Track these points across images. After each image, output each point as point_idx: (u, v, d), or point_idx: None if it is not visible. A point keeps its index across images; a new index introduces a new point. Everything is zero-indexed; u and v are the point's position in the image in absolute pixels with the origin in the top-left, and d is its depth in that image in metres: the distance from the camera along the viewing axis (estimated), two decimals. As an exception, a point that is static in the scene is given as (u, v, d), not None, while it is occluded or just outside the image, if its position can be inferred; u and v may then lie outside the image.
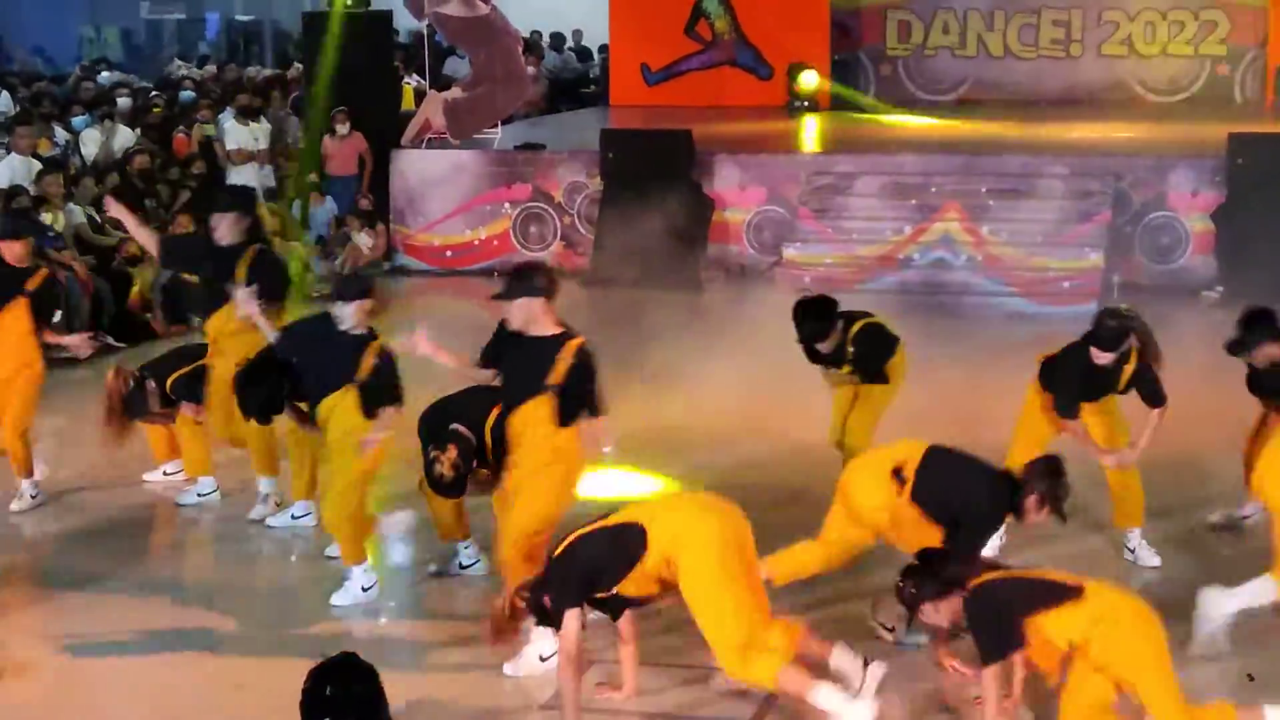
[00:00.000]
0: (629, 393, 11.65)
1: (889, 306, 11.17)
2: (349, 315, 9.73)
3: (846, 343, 10.72)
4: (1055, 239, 18.62)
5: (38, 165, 18.57)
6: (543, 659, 8.58)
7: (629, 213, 19.32)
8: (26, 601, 10.01)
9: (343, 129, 20.87)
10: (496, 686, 8.56)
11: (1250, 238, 17.84)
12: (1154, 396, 9.98)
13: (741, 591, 7.86)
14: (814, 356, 10.88)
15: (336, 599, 9.66)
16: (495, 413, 9.41)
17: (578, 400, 9.00)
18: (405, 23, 26.82)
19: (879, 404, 10.85)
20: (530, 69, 26.06)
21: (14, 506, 11.37)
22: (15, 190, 17.46)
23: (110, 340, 16.18)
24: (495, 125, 21.91)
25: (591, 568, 7.93)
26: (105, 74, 28.93)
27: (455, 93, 21.96)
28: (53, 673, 8.99)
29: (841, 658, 8.13)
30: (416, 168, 20.92)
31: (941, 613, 7.75)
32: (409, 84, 25.98)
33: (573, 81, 31.13)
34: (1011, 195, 19.23)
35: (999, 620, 7.56)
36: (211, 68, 30.79)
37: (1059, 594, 7.51)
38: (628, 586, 7.95)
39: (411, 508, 10.22)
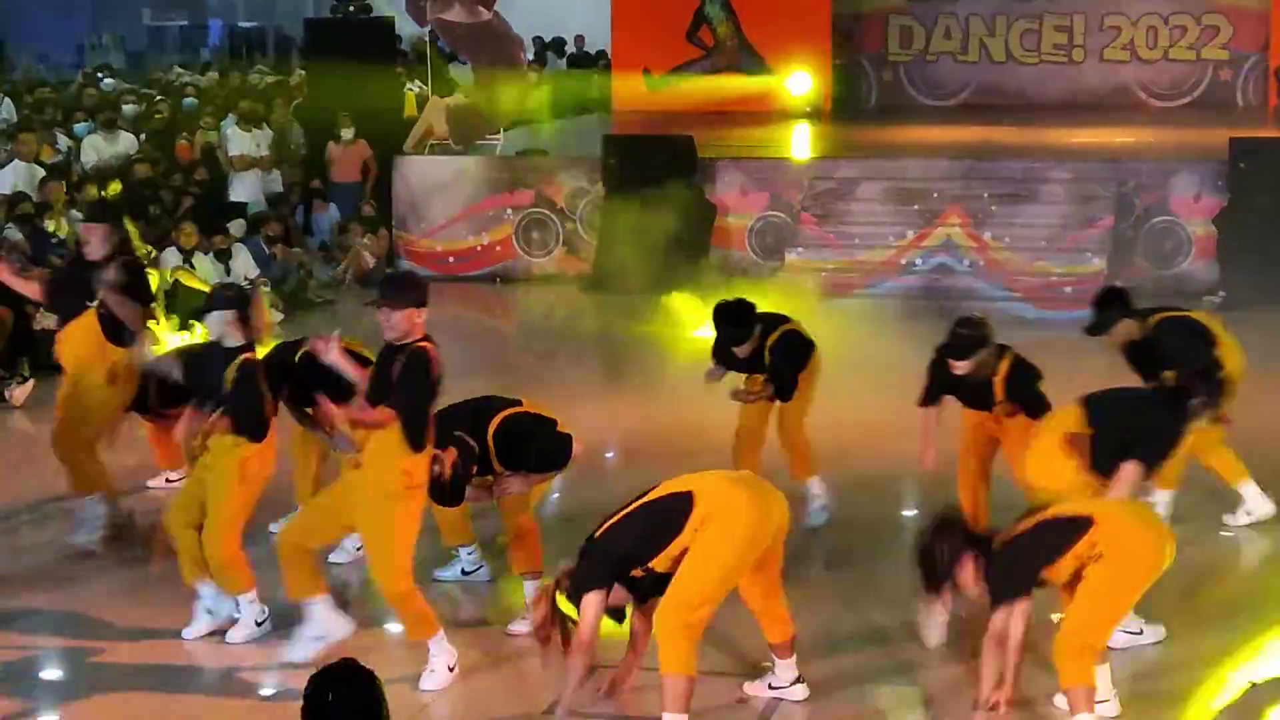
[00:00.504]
0: (628, 397, 11.64)
1: (890, 311, 11.15)
2: (217, 327, 9.24)
3: (765, 349, 10.69)
4: (1058, 244, 18.64)
5: (41, 172, 18.61)
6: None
7: (631, 218, 19.35)
8: (29, 610, 9.99)
9: (347, 135, 20.88)
10: (498, 692, 8.56)
11: (1252, 242, 17.86)
12: (1032, 406, 9.78)
13: (730, 582, 7.91)
14: (729, 361, 10.86)
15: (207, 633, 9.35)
16: (499, 419, 9.38)
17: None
18: (408, 29, 26.89)
19: (803, 406, 10.91)
20: (532, 75, 26.12)
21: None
22: (18, 197, 17.48)
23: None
24: (498, 131, 21.93)
25: (632, 544, 7.88)
26: (108, 81, 28.96)
27: (457, 99, 22.00)
28: (60, 682, 9.00)
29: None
30: (419, 174, 20.94)
31: (969, 572, 7.79)
32: (411, 90, 26.01)
33: (574, 87, 31.11)
34: (1014, 200, 19.25)
35: (1023, 570, 7.76)
36: (214, 74, 30.81)
37: (1075, 530, 7.74)
38: (663, 561, 7.87)
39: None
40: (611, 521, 8.05)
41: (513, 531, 9.65)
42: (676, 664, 7.76)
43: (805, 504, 10.89)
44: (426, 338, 8.43)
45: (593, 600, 7.82)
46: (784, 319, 10.93)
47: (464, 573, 10.25)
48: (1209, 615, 9.39)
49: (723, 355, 10.88)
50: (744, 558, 7.85)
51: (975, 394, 9.92)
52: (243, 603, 9.24)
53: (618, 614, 8.05)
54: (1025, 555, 7.78)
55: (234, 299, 9.35)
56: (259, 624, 9.25)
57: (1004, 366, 9.83)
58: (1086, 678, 7.68)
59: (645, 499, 8.06)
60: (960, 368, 9.74)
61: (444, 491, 9.14)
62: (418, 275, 8.93)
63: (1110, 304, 10.59)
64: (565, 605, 7.92)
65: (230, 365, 9.07)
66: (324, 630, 8.79)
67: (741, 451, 10.83)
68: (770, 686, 8.38)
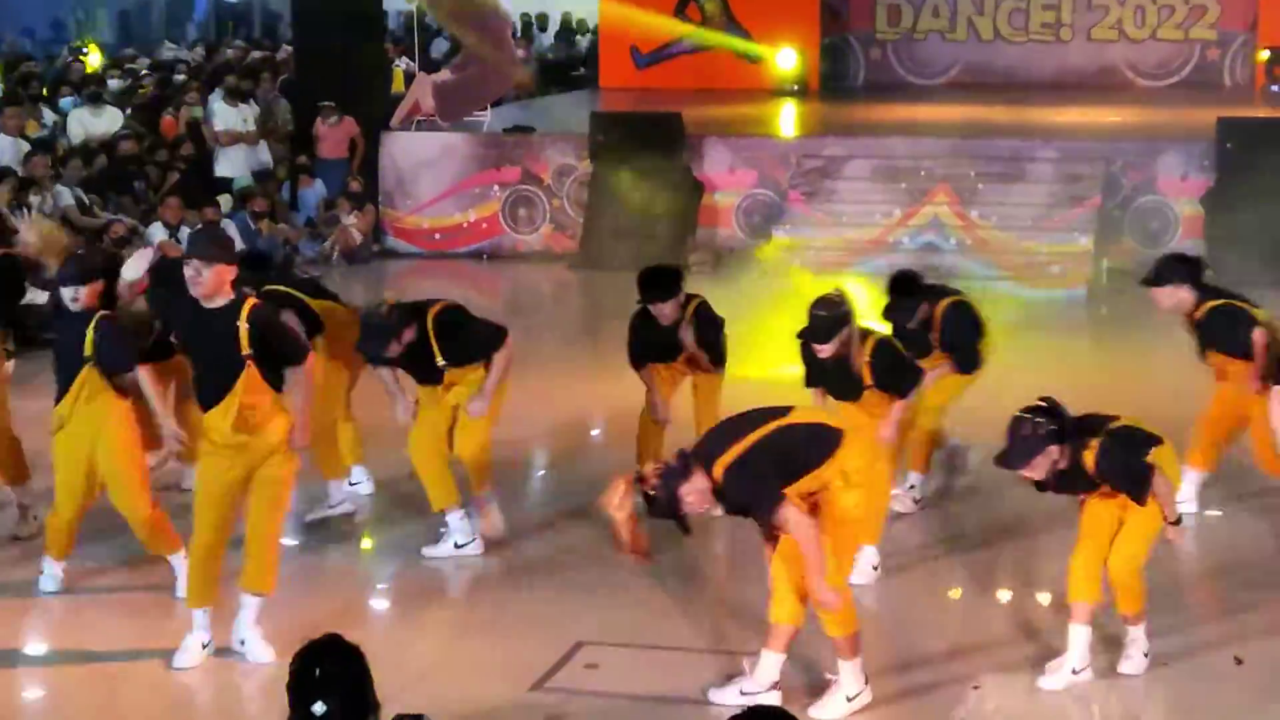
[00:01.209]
0: (615, 375, 11.63)
1: (878, 290, 11.13)
2: (75, 298, 9.35)
3: (685, 319, 10.54)
4: (1045, 223, 18.63)
5: (26, 146, 18.55)
6: (849, 699, 7.97)
7: (618, 196, 19.33)
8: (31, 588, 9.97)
9: (332, 120, 20.80)
10: (489, 668, 8.56)
11: (1239, 222, 17.85)
12: (899, 386, 9.52)
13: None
14: (650, 339, 10.65)
15: None
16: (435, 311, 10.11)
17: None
18: (394, 4, 26.82)
19: (717, 390, 10.73)
20: (520, 52, 26.06)
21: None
22: (3, 171, 17.42)
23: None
24: (485, 108, 21.89)
25: (790, 458, 7.69)
26: (94, 55, 28.86)
27: (445, 75, 21.95)
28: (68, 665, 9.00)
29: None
30: (406, 150, 20.89)
31: (1058, 458, 7.87)
32: (399, 67, 25.94)
33: (562, 64, 31.10)
34: (1001, 179, 19.25)
35: (1138, 459, 7.98)
36: (201, 49, 30.71)
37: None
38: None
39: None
40: (762, 434, 7.73)
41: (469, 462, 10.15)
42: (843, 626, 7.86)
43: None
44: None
45: (791, 514, 7.56)
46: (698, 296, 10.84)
47: (457, 546, 10.20)
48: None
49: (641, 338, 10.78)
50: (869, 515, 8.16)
51: (843, 379, 9.46)
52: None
53: (686, 526, 7.82)
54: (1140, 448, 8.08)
55: (90, 272, 9.43)
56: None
57: (869, 348, 9.39)
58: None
59: (790, 420, 7.83)
60: (824, 351, 9.28)
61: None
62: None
63: (906, 287, 10.57)
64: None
65: (86, 326, 9.20)
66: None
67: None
68: (741, 692, 8.06)
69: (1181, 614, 9.04)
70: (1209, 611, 9.29)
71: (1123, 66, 26.22)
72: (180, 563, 9.25)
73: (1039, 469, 7.95)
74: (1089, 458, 7.92)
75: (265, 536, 8.58)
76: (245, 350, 8.31)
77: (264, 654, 8.57)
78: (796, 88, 25.51)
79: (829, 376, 9.50)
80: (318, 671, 4.58)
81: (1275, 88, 24.30)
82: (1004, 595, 9.51)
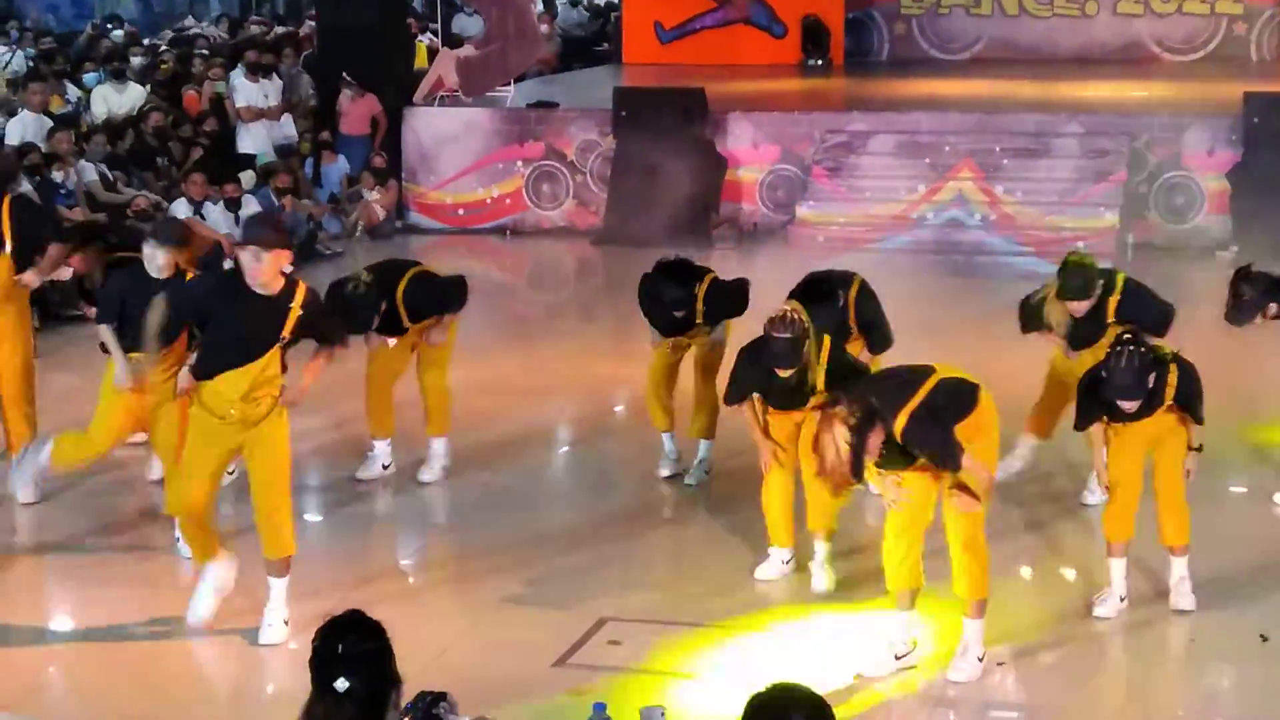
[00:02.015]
0: (638, 352, 11.61)
1: (902, 266, 11.13)
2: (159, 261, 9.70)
3: (699, 300, 10.62)
4: (1070, 198, 18.56)
5: (49, 122, 18.57)
6: (979, 660, 8.17)
7: (642, 171, 19.28)
8: (36, 567, 9.99)
9: (352, 92, 20.79)
10: (512, 644, 8.55)
11: (1265, 197, 17.75)
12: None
13: None
14: (669, 322, 10.75)
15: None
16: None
17: None
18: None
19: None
20: (543, 27, 26.02)
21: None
22: (27, 147, 17.44)
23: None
24: (508, 83, 21.86)
25: (949, 409, 7.92)
26: (118, 31, 28.87)
27: (468, 50, 21.91)
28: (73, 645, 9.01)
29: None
30: (429, 126, 20.87)
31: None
32: (423, 41, 25.91)
33: (586, 39, 31.05)
34: (1026, 154, 19.17)
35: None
36: (223, 25, 30.70)
37: None
38: None
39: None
40: (925, 389, 7.88)
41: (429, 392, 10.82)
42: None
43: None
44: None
45: (967, 459, 7.80)
46: (707, 270, 10.95)
47: (384, 468, 10.90)
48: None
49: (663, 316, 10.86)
50: None
51: (794, 392, 9.23)
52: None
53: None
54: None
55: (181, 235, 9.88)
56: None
57: (824, 358, 9.19)
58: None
59: (944, 374, 8.04)
60: (787, 373, 9.09)
61: None
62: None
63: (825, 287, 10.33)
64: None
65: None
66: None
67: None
68: (895, 656, 8.24)
69: (1211, 592, 9.02)
70: (1237, 589, 9.25)
71: (1148, 41, 26.10)
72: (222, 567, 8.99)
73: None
74: None
75: (275, 499, 8.54)
76: (287, 335, 8.34)
77: (275, 636, 8.58)
78: (820, 62, 25.43)
79: (775, 390, 9.26)
80: (340, 648, 4.56)
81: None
82: (1026, 572, 9.50)
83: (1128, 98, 21.39)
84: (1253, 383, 12.29)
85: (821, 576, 9.11)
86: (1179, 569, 8.80)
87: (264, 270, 8.21)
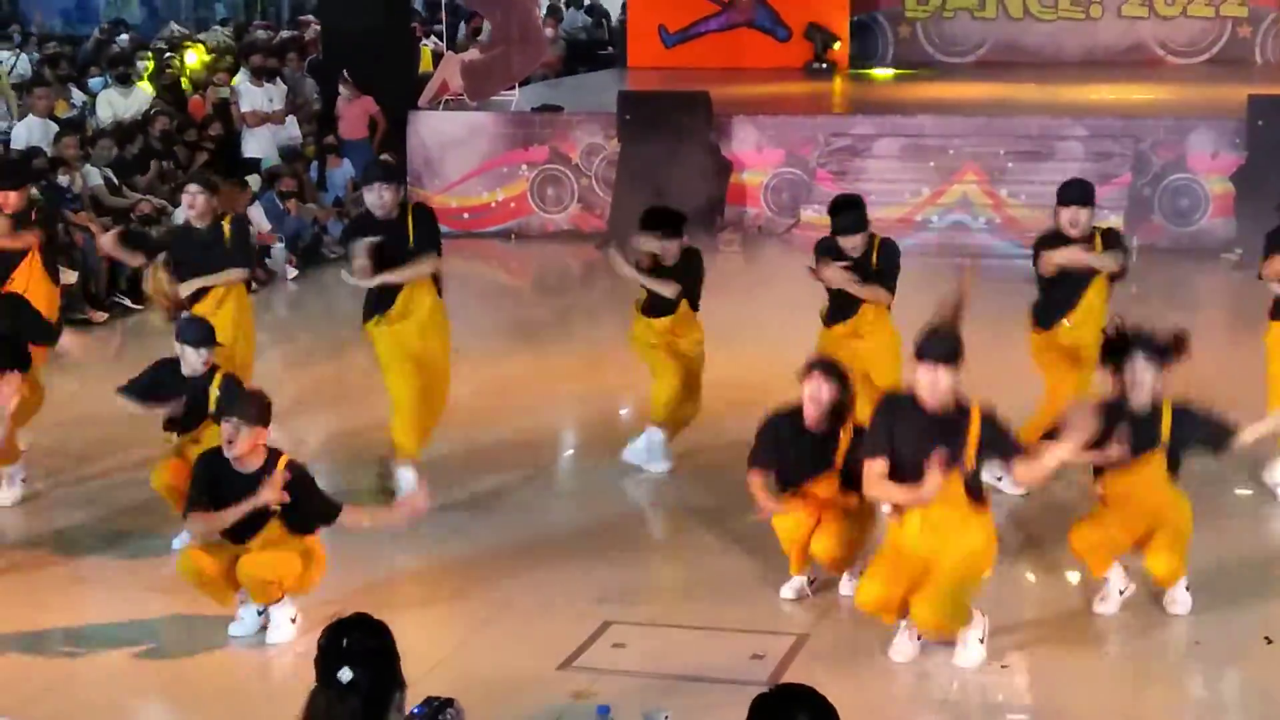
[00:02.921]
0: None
1: (906, 269, 11.10)
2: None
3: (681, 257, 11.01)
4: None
5: (55, 127, 18.58)
6: (981, 641, 8.31)
7: (646, 175, 19.28)
8: (41, 566, 9.99)
9: (347, 92, 20.83)
10: (517, 647, 8.56)
11: (1270, 199, 17.70)
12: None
13: None
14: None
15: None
16: None
17: None
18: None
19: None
20: (548, 30, 26.02)
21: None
22: (33, 152, 17.46)
23: (128, 302, 16.17)
24: (512, 87, 21.86)
25: None
26: (122, 36, 28.90)
27: (472, 54, 21.93)
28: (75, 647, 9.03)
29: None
30: (433, 130, 20.88)
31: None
32: (427, 45, 25.92)
33: (590, 43, 31.06)
34: (1031, 157, 19.17)
35: None
36: (229, 30, 30.73)
37: None
38: None
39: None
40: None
41: None
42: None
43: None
44: None
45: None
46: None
47: None
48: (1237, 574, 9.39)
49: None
50: None
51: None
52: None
53: None
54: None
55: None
56: None
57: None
58: None
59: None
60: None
61: None
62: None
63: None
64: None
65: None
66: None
67: None
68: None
69: (1215, 595, 9.02)
70: (1242, 592, 9.25)
71: (1153, 44, 26.08)
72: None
73: None
74: None
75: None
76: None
77: (282, 635, 8.67)
78: (825, 66, 25.45)
79: (794, 460, 8.96)
80: (345, 642, 4.59)
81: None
82: (1030, 575, 9.50)
83: (1132, 101, 21.38)
84: (1258, 385, 12.25)
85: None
86: (1167, 592, 8.86)
87: (241, 444, 8.38)
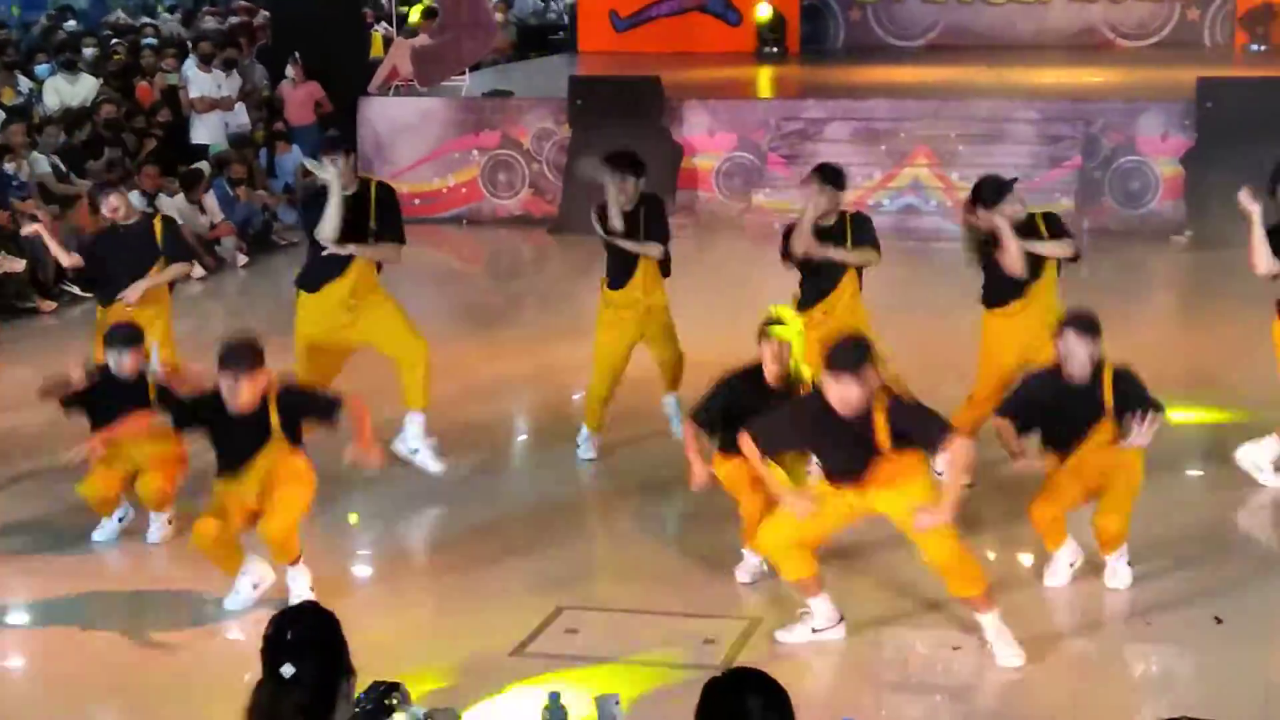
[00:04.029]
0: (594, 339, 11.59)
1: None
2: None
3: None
4: (1025, 184, 18.51)
5: (1, 114, 18.45)
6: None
7: (598, 160, 19.22)
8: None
9: (292, 74, 20.75)
10: (470, 633, 8.53)
11: (1219, 182, 17.80)
12: None
13: None
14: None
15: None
16: None
17: None
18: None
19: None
20: (498, 15, 25.95)
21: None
22: (-21, 140, 17.35)
23: (76, 290, 16.07)
24: (463, 72, 21.80)
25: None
26: (70, 23, 28.70)
27: (422, 40, 21.85)
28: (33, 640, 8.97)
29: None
30: (384, 115, 20.81)
31: None
32: (378, 31, 25.82)
33: (541, 28, 31.00)
34: (982, 140, 19.20)
35: None
36: (176, 16, 30.56)
37: None
38: None
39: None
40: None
41: None
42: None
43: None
44: None
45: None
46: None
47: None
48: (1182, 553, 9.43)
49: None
50: None
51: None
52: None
53: None
54: None
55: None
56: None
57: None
58: None
59: None
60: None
61: None
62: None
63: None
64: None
65: None
66: None
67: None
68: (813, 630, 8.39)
69: (1166, 574, 9.06)
70: (1192, 571, 9.29)
71: (1103, 27, 26.17)
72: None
73: None
74: None
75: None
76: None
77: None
78: (775, 49, 25.45)
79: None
80: (289, 635, 4.54)
81: (1255, 47, 24.26)
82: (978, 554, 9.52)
83: (1082, 84, 21.44)
84: (1208, 365, 12.33)
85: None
86: (1108, 560, 8.95)
87: (244, 394, 8.49)
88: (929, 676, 8.11)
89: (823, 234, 10.50)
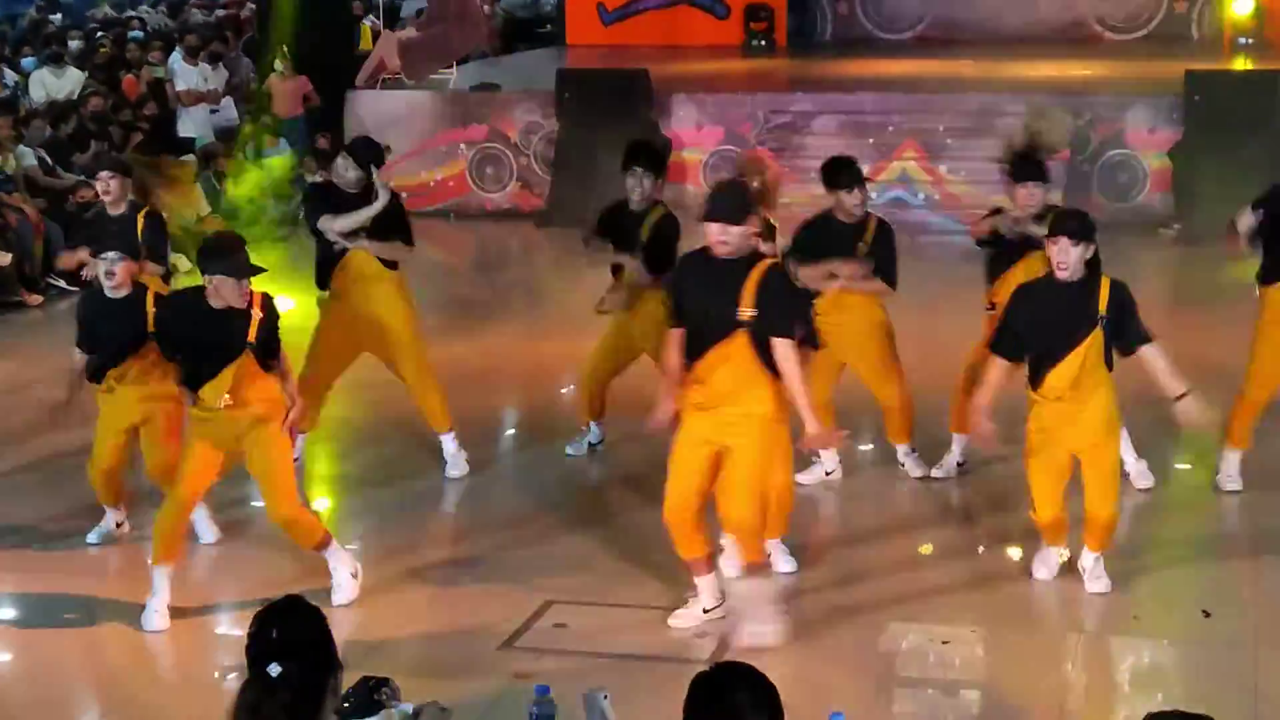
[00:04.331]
0: (585, 332, 11.58)
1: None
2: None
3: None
4: (1013, 178, 18.56)
5: (-13, 108, 18.41)
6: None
7: (585, 153, 19.23)
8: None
9: (281, 67, 20.72)
10: (458, 627, 8.52)
11: (1207, 174, 17.84)
12: None
13: None
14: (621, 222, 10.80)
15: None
16: None
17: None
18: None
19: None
20: (485, 8, 25.92)
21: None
22: (-35, 133, 17.29)
23: (63, 284, 16.02)
24: (450, 65, 21.76)
25: None
26: (55, 15, 28.64)
27: (409, 33, 21.82)
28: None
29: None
30: (371, 109, 20.76)
31: None
32: (368, 24, 25.79)
33: (528, 21, 30.95)
34: (969, 134, 19.19)
35: None
36: (162, 8, 30.50)
37: None
38: None
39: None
40: None
41: None
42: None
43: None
44: None
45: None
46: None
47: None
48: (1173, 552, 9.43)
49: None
50: None
51: None
52: None
53: None
54: None
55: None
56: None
57: None
58: None
59: None
60: None
61: None
62: None
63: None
64: None
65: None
66: None
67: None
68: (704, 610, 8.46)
69: (1155, 569, 9.06)
70: (1181, 566, 9.29)
71: (1091, 20, 26.17)
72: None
73: None
74: None
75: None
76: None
77: (345, 596, 8.71)
78: (764, 43, 25.42)
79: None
80: (274, 633, 4.52)
81: (1243, 40, 24.27)
82: (966, 548, 9.52)
83: (1070, 76, 21.44)
84: (1197, 358, 12.29)
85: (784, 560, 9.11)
86: (1089, 557, 8.80)
87: (229, 297, 8.46)
88: (919, 671, 8.11)
89: (844, 231, 10.35)
